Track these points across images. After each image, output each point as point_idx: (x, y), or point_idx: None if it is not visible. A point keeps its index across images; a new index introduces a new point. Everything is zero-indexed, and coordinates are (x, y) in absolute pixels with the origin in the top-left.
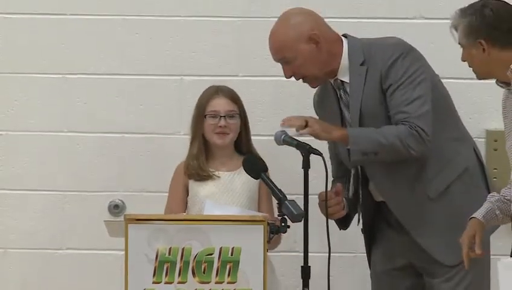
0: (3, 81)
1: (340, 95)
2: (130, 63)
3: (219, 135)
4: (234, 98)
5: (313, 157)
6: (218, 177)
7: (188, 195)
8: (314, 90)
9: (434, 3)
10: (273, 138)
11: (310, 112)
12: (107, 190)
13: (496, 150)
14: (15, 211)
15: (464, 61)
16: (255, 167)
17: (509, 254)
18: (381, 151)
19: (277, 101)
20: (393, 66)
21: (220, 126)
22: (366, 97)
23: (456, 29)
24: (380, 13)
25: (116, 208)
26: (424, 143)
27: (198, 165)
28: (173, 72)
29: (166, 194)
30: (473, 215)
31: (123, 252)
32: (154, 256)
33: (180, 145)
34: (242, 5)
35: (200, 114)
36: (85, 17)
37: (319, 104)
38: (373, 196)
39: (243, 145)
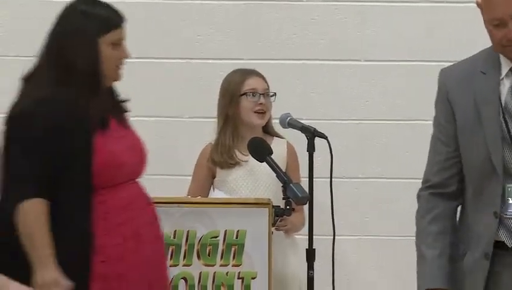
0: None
1: None
2: (135, 46)
3: (258, 114)
4: (265, 78)
5: (317, 140)
6: (246, 161)
7: (214, 177)
8: (321, 74)
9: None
10: (277, 121)
11: (313, 95)
12: None
13: None
14: None
15: None
16: (260, 149)
17: None
18: None
19: (282, 84)
20: None
21: (261, 103)
22: None
23: None
24: None
25: None
26: None
27: (229, 155)
28: (179, 55)
29: (171, 176)
30: None
31: None
32: None
33: (184, 129)
34: None
35: (235, 95)
36: None
37: (473, 76)
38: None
39: (269, 127)
